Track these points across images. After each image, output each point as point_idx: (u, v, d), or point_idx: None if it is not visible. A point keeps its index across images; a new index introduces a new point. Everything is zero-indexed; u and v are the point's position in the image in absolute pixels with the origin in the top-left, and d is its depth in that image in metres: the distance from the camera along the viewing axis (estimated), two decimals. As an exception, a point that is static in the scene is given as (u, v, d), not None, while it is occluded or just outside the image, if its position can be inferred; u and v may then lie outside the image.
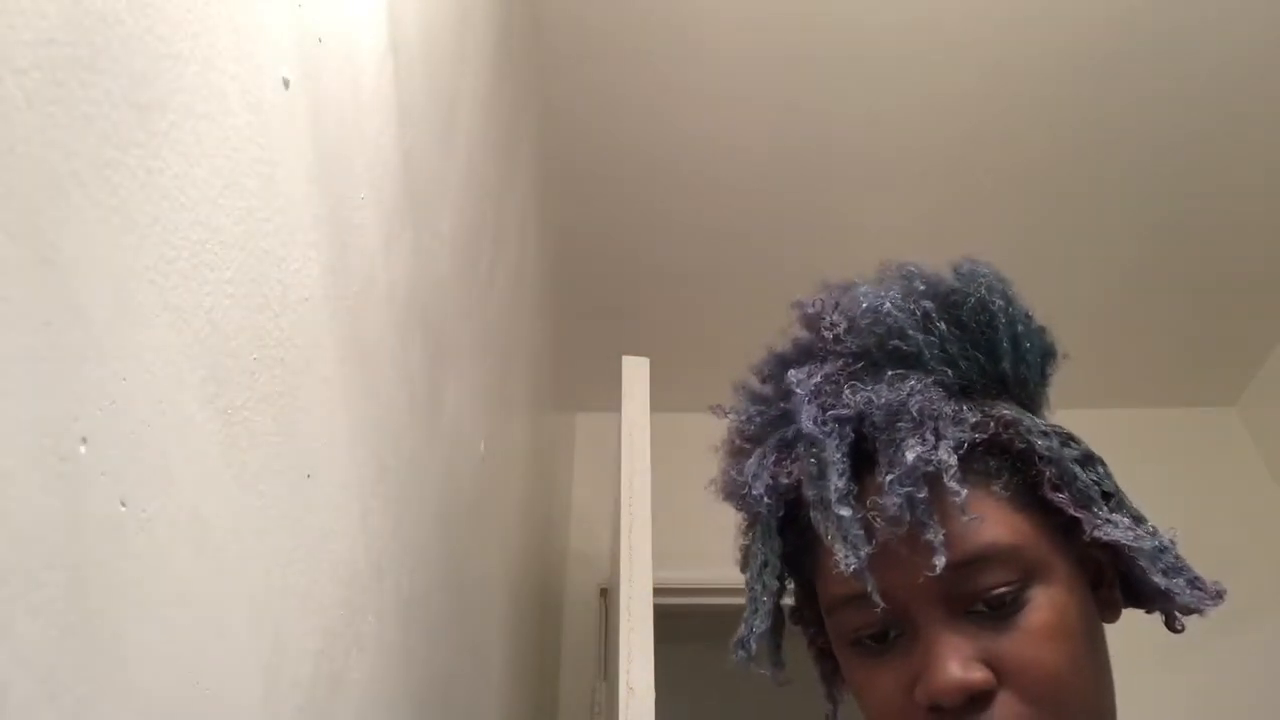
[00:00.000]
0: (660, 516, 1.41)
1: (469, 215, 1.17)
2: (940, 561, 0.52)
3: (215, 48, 0.49)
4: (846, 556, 0.54)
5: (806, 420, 0.59)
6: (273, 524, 0.55)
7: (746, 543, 0.64)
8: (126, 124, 0.41)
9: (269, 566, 0.54)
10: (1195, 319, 2.55)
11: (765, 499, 0.60)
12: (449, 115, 1.07)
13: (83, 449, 0.37)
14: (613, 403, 1.60)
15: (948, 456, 0.55)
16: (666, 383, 1.72)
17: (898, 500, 0.54)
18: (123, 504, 0.40)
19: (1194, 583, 0.57)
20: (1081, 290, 2.48)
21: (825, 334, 0.64)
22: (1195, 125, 2.16)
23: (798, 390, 0.61)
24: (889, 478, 0.55)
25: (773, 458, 0.61)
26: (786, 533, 0.62)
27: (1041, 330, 0.65)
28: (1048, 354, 0.65)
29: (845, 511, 0.56)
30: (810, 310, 0.65)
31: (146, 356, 0.42)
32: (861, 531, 0.55)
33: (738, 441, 0.65)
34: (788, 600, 0.65)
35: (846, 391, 0.60)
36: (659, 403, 1.59)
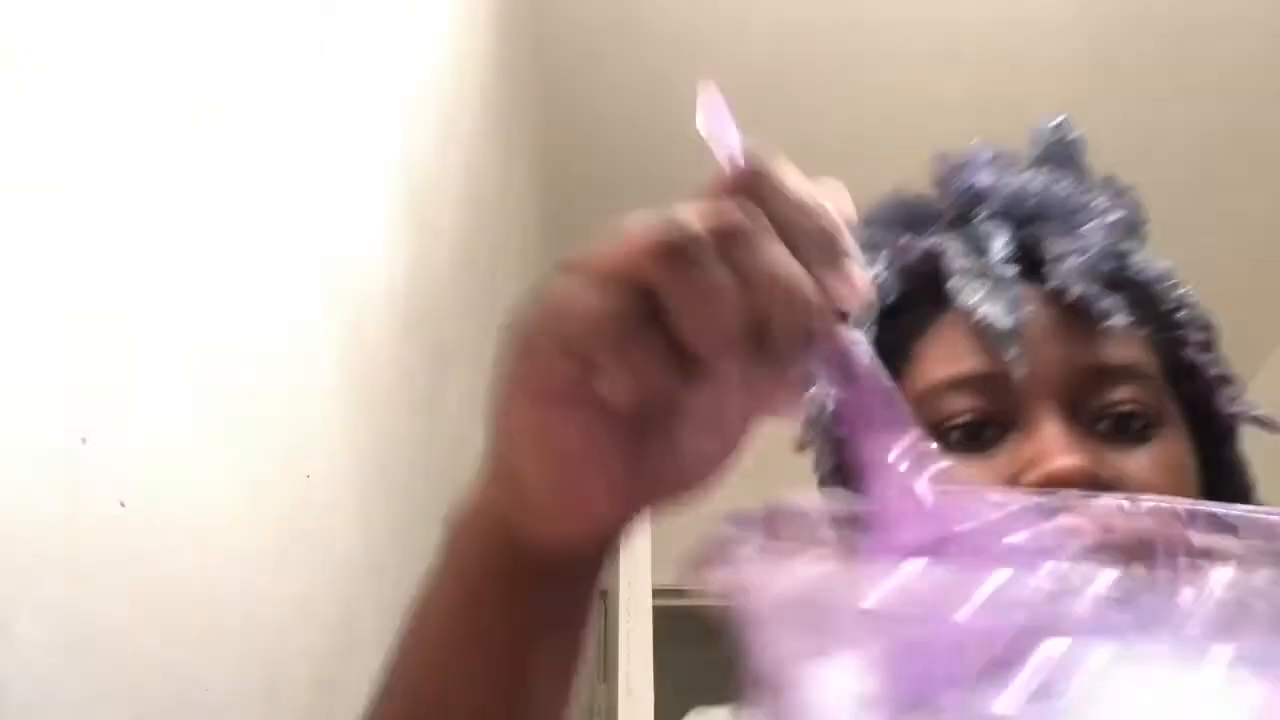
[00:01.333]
0: (659, 517, 1.40)
1: (469, 212, 1.17)
2: (1121, 320, 0.48)
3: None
4: (1000, 316, 0.49)
5: (985, 175, 0.54)
6: (272, 524, 0.55)
7: None
8: (125, 125, 0.41)
9: (268, 567, 0.54)
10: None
11: (880, 276, 0.54)
12: (449, 112, 1.07)
13: (84, 448, 0.37)
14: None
15: (1135, 247, 0.52)
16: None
17: (1084, 256, 0.50)
18: (122, 504, 0.39)
19: None
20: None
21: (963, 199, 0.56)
22: (1193, 126, 2.16)
23: (977, 155, 0.56)
24: (1078, 231, 0.51)
25: (905, 238, 0.55)
26: (884, 326, 0.54)
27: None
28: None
29: (1008, 271, 0.51)
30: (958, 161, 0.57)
31: (147, 356, 0.42)
32: (1019, 294, 0.49)
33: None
34: None
35: (1027, 175, 0.55)
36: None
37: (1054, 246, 0.51)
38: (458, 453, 1.09)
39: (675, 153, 2.39)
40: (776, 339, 0.26)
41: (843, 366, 0.28)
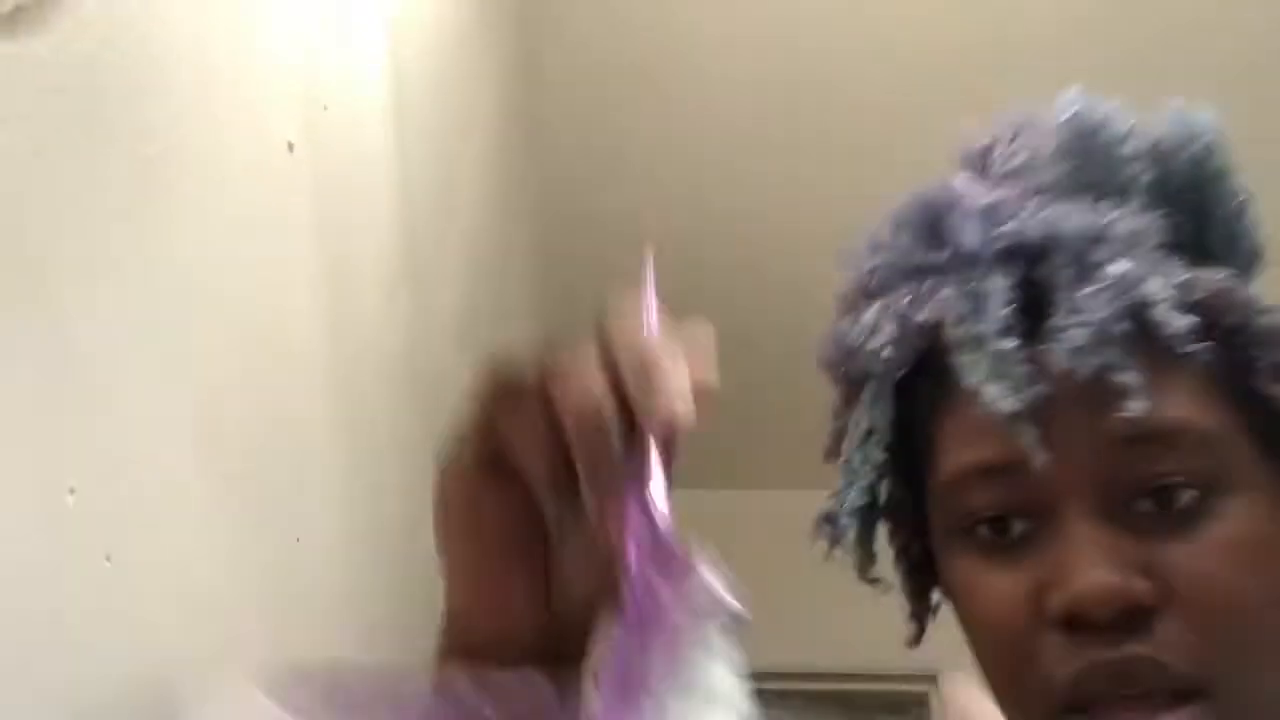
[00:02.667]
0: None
1: (467, 285, 1.18)
2: (1140, 407, 0.41)
3: (222, 109, 0.50)
4: (1003, 398, 0.43)
5: (970, 236, 0.48)
6: (259, 586, 0.54)
7: (841, 421, 0.51)
8: (133, 177, 0.41)
9: (255, 628, 0.53)
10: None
11: (888, 349, 0.48)
12: (450, 185, 1.09)
13: (71, 499, 0.36)
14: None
15: (1160, 290, 0.44)
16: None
17: (1089, 328, 0.43)
18: (108, 559, 0.39)
19: None
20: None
21: (997, 169, 0.51)
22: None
23: (964, 200, 0.49)
24: (1084, 291, 0.44)
25: (906, 298, 0.49)
26: (901, 400, 0.49)
27: (1254, 225, 0.52)
28: (1255, 253, 0.52)
29: (1008, 344, 0.44)
30: (981, 144, 0.52)
31: (142, 409, 0.41)
32: (1025, 370, 0.43)
33: (853, 297, 0.52)
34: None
35: (1030, 207, 0.47)
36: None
37: (1061, 302, 0.44)
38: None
39: (677, 229, 2.42)
40: (581, 463, 0.28)
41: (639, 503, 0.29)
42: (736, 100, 2.02)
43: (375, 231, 0.78)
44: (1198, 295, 0.45)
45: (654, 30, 1.93)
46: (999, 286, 0.46)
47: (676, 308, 0.32)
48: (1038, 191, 0.49)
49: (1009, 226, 0.47)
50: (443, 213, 1.05)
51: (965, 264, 0.48)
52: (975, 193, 0.49)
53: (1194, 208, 0.51)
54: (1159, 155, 0.50)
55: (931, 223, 0.50)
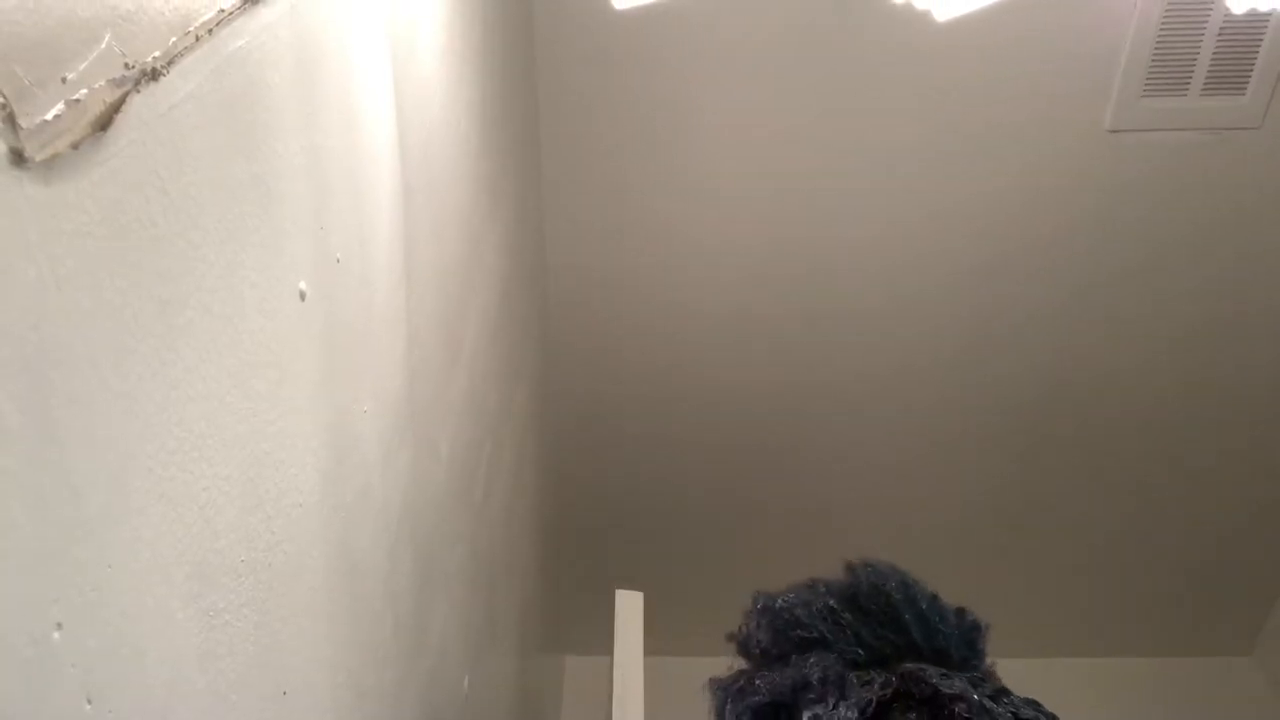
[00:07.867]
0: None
1: (467, 438, 1.18)
2: None
3: (239, 257, 0.52)
4: None
5: (730, 716, 0.67)
6: (242, 742, 0.52)
7: None
8: (147, 315, 0.42)
9: (233, 789, 0.50)
10: (1202, 566, 2.51)
11: None
12: (455, 341, 1.11)
13: (56, 635, 0.35)
14: (604, 646, 1.54)
15: (848, 713, 0.60)
16: (663, 626, 1.66)
17: None
18: (89, 701, 0.37)
19: None
20: (1086, 539, 2.46)
21: (754, 652, 0.73)
22: (1191, 378, 2.23)
23: (718, 693, 0.70)
24: None
25: None
26: None
27: (958, 610, 0.71)
28: (971, 628, 0.70)
29: None
30: (740, 638, 0.75)
31: (135, 545, 0.41)
32: None
33: None
34: None
35: (758, 681, 0.67)
36: (654, 647, 1.53)
37: None
38: (438, 686, 1.03)
39: (671, 385, 2.44)
40: None
41: None
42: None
43: (380, 381, 0.79)
44: (895, 686, 0.61)
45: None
46: None
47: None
48: (774, 659, 0.68)
49: (745, 702, 0.66)
50: (446, 369, 1.06)
51: None
52: (727, 686, 0.69)
53: (889, 619, 0.68)
54: (848, 596, 0.70)
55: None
